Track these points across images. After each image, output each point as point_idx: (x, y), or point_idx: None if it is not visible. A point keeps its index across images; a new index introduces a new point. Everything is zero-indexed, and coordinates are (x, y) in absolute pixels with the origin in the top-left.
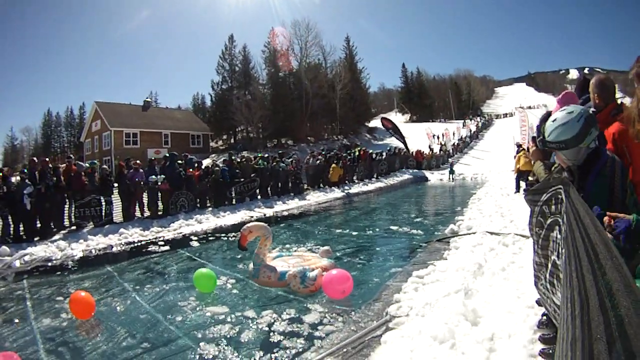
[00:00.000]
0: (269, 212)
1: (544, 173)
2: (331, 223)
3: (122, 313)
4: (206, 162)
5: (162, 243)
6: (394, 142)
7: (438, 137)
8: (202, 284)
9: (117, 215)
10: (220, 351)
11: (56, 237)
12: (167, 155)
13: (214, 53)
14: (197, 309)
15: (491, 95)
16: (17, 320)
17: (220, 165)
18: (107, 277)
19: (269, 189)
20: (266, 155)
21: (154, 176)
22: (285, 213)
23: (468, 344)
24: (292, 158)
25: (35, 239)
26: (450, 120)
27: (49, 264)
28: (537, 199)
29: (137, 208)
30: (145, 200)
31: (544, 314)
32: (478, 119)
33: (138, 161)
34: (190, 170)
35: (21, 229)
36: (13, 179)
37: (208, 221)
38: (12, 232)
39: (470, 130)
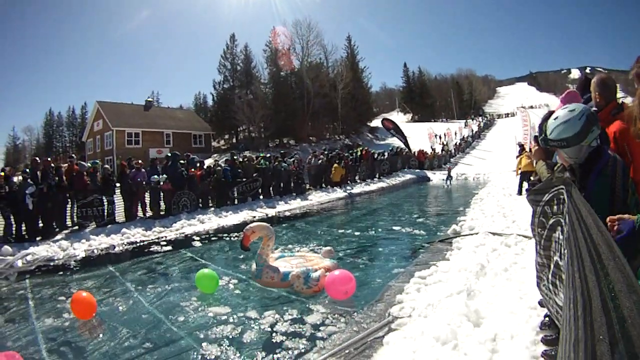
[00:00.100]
0: (271, 212)
1: (546, 173)
2: (333, 223)
3: (124, 313)
4: (208, 162)
5: (165, 243)
6: (396, 141)
7: (440, 137)
8: (205, 285)
9: (119, 215)
10: (222, 352)
11: (58, 237)
12: (169, 155)
13: (216, 52)
14: (200, 309)
15: (493, 95)
16: (19, 320)
17: (223, 165)
18: (109, 277)
19: (271, 188)
20: (268, 155)
21: (156, 176)
22: (288, 213)
23: (470, 345)
24: (294, 158)
25: (38, 238)
26: (452, 120)
27: (51, 263)
28: (539, 199)
29: (139, 208)
30: (147, 200)
31: (546, 315)
32: (480, 118)
33: (140, 161)
34: (193, 170)
35: (23, 228)
36: (15, 179)
37: (210, 221)
38: (14, 231)
39: (472, 130)
